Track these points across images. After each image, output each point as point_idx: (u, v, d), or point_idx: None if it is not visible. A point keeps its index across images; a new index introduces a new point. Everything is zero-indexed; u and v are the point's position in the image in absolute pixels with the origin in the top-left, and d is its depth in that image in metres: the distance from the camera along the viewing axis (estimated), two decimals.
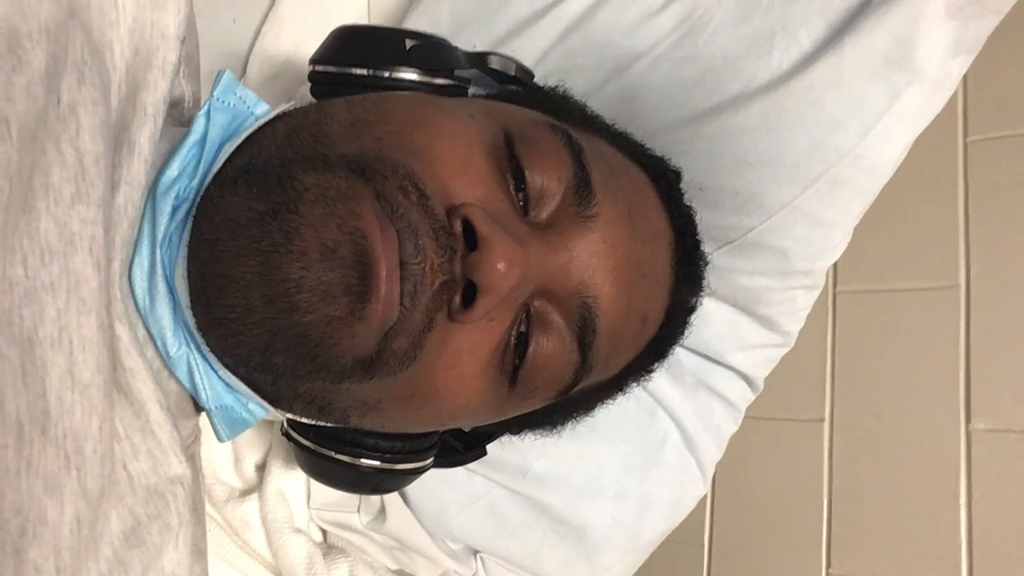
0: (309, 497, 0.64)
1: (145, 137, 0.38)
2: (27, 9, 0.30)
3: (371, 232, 0.36)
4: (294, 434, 0.50)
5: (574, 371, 0.45)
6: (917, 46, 0.58)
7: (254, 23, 0.68)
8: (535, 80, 0.57)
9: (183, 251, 0.40)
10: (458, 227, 0.39)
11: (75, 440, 0.32)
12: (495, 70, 0.54)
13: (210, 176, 0.41)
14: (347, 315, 0.36)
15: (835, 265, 0.73)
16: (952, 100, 0.64)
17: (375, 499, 0.65)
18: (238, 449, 0.63)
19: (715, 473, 0.76)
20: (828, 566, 0.98)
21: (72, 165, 0.32)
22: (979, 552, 0.89)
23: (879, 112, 0.60)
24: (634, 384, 0.56)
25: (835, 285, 1.00)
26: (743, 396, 0.73)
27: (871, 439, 0.97)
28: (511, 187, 0.42)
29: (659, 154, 0.56)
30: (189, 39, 0.45)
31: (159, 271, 0.39)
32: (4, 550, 0.29)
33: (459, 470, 0.65)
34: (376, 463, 0.49)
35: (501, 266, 0.38)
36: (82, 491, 0.32)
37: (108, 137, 0.34)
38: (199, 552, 0.39)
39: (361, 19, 0.69)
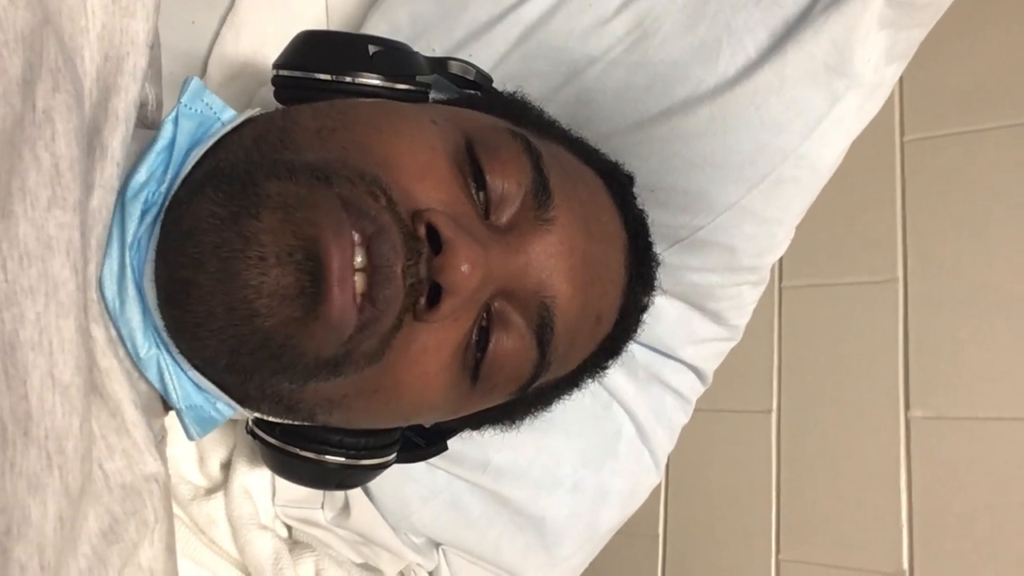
0: (274, 494, 0.64)
1: (117, 141, 0.38)
2: (3, 17, 0.30)
3: (325, 238, 0.37)
4: (259, 432, 0.50)
5: (533, 368, 0.47)
6: (854, 53, 0.61)
7: (213, 24, 0.68)
8: (494, 85, 0.59)
9: (152, 254, 0.40)
10: (422, 231, 0.40)
11: (57, 440, 0.32)
12: (455, 75, 0.56)
13: (178, 181, 0.41)
14: (304, 316, 0.37)
15: (780, 261, 0.76)
16: (889, 101, 0.67)
17: (339, 495, 0.65)
18: (202, 448, 0.63)
19: (668, 465, 0.78)
20: (778, 552, 1.01)
21: (48, 170, 0.33)
22: (919, 534, 0.93)
23: (820, 115, 0.62)
24: (590, 380, 0.57)
25: (780, 280, 1.04)
26: (693, 389, 0.75)
27: (816, 428, 1.00)
28: (472, 191, 0.44)
29: (613, 159, 0.57)
30: (154, 43, 0.45)
31: (128, 274, 0.39)
32: None
33: (421, 465, 0.66)
34: (340, 459, 0.50)
35: (465, 268, 0.39)
36: (64, 490, 0.32)
37: (82, 142, 0.35)
38: (172, 548, 0.40)
39: (320, 23, 0.69)
